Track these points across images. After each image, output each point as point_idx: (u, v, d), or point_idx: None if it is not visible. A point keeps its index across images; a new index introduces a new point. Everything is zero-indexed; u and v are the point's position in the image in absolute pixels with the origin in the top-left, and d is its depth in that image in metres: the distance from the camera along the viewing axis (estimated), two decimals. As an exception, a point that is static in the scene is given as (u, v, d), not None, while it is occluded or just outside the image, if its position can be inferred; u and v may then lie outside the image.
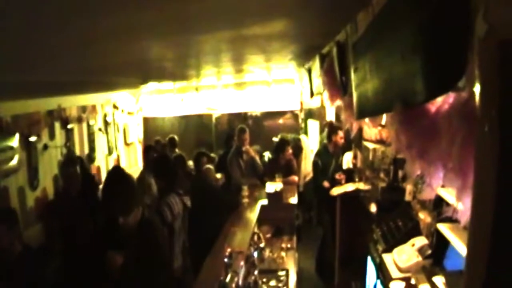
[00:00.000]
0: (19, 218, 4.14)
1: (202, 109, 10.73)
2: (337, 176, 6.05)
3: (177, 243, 4.39)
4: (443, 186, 1.73)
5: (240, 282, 3.77)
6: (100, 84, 6.29)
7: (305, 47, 4.02)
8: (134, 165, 9.96)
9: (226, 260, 3.79)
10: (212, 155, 8.08)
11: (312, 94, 5.15)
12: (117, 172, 5.56)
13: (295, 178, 7.46)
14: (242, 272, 3.83)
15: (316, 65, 4.18)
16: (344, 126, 4.27)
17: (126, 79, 6.48)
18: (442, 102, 1.35)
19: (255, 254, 4.36)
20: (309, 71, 4.93)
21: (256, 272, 4.12)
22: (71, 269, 4.13)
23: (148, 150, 8.35)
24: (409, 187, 3.48)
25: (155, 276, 3.43)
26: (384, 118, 2.40)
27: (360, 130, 4.84)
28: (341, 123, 5.79)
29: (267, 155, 9.00)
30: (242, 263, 3.98)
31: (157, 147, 8.82)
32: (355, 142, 5.87)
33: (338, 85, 3.00)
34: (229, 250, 3.96)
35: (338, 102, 3.20)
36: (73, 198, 5.07)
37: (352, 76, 2.38)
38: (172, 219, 4.27)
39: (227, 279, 3.61)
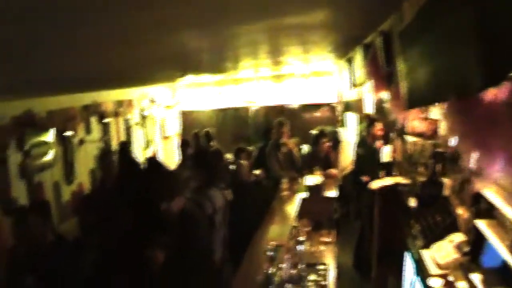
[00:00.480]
0: (53, 211, 4.18)
1: (240, 102, 10.74)
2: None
3: (218, 236, 4.39)
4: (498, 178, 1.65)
5: (284, 275, 3.76)
6: (137, 79, 6.35)
7: (346, 37, 3.94)
8: (171, 159, 10.04)
9: (270, 253, 3.79)
10: (251, 148, 8.05)
11: (353, 86, 5.07)
12: (153, 161, 5.64)
13: (335, 171, 7.37)
14: (286, 265, 3.82)
15: (358, 56, 4.10)
16: (388, 117, 4.18)
17: (164, 72, 6.52)
18: (498, 91, 1.30)
19: (299, 247, 4.32)
20: (350, 62, 4.85)
21: (301, 266, 4.09)
22: (107, 262, 4.14)
23: (184, 144, 8.39)
24: (448, 182, 3.38)
25: (195, 267, 3.45)
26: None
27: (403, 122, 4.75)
28: (381, 115, 5.69)
29: (305, 148, 8.94)
30: (286, 256, 3.96)
31: (195, 140, 8.83)
32: (398, 134, 5.76)
33: (383, 75, 2.93)
34: (273, 243, 3.96)
35: (383, 93, 3.13)
36: (110, 190, 5.08)
37: (401, 65, 2.31)
38: (213, 212, 4.27)
39: (272, 271, 3.61)
